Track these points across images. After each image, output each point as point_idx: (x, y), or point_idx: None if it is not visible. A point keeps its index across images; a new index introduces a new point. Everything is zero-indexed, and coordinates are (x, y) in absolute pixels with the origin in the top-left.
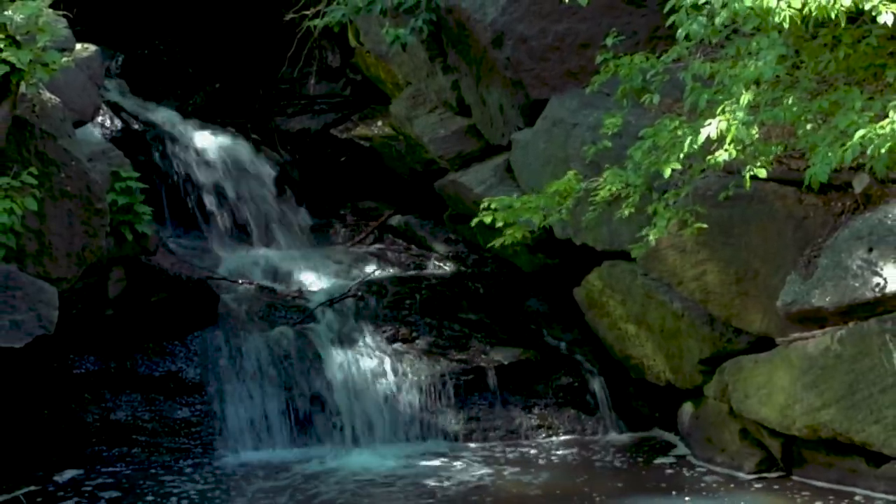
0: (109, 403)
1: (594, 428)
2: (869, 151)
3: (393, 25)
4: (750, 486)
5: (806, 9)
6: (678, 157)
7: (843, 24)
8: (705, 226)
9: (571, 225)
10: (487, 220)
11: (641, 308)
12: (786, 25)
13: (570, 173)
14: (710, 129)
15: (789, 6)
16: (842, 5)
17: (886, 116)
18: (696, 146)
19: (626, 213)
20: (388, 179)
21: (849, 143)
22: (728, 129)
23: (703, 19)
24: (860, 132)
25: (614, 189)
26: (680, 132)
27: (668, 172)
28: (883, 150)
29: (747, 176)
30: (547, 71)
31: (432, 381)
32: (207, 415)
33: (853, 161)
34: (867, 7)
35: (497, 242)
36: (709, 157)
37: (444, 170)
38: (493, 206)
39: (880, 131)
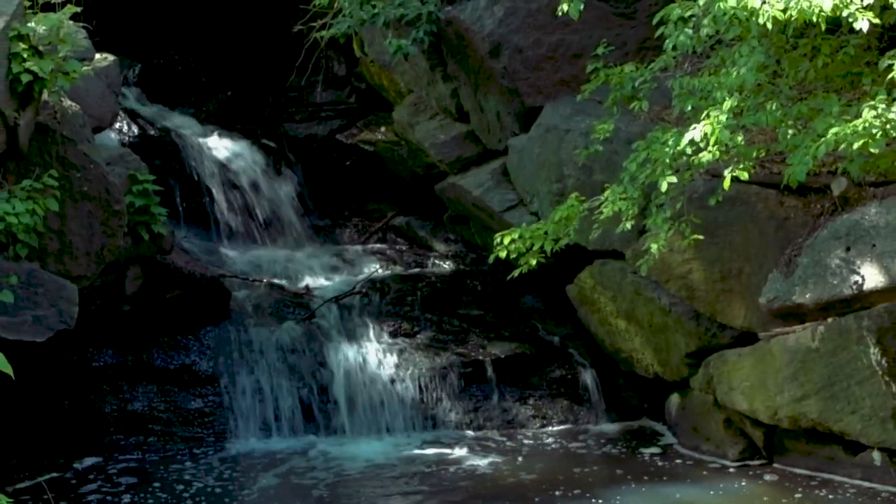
0: (127, 395)
1: (586, 418)
2: (842, 148)
3: (395, 36)
4: (733, 473)
5: (788, 12)
6: (671, 167)
7: (822, 28)
8: (701, 237)
9: None
10: (503, 255)
11: (631, 304)
12: (769, 26)
13: (572, 196)
14: (695, 132)
15: (773, 7)
16: (822, 10)
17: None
18: (680, 149)
19: (628, 225)
20: (390, 182)
21: (822, 140)
22: (712, 132)
23: (689, 31)
24: (834, 129)
25: (616, 207)
26: (671, 142)
27: (664, 187)
28: (855, 146)
29: (728, 178)
30: (541, 80)
31: (433, 373)
32: (220, 405)
33: (831, 165)
34: (845, 14)
35: (516, 273)
36: (692, 157)
37: (444, 173)
38: (505, 241)
39: (853, 129)
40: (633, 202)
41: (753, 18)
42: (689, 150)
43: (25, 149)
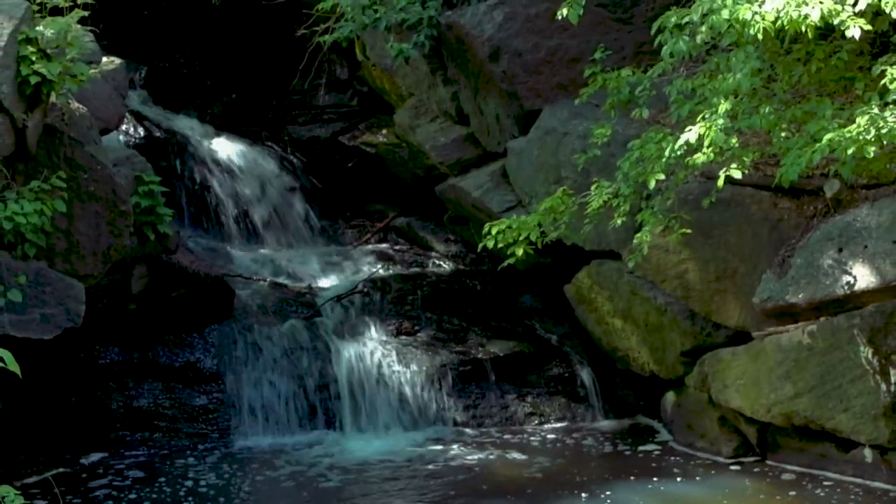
0: (132, 391)
1: (583, 415)
2: (836, 153)
3: (397, 41)
4: (727, 469)
5: (779, 22)
6: (662, 166)
7: (811, 37)
8: (689, 231)
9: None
10: (490, 244)
11: (627, 304)
12: (759, 37)
13: (560, 189)
14: (690, 134)
15: (763, 19)
16: (811, 20)
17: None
18: (676, 152)
19: (619, 221)
20: (392, 184)
21: (817, 146)
22: (707, 134)
23: (686, 37)
24: (828, 135)
25: (603, 200)
26: (665, 144)
27: (652, 183)
28: (849, 152)
29: (722, 177)
30: (540, 83)
31: (433, 371)
32: (224, 402)
33: (824, 167)
34: (836, 22)
35: (505, 263)
36: (687, 158)
37: (445, 175)
38: (494, 230)
39: (847, 134)
40: (625, 199)
41: (746, 29)
42: (681, 153)
43: (33, 150)
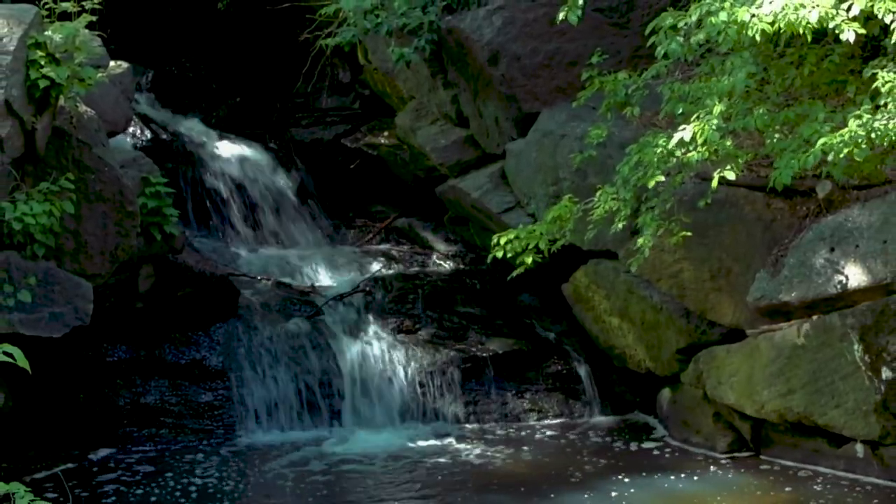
0: (140, 388)
1: (581, 411)
2: (830, 157)
3: (398, 45)
4: (722, 464)
5: (776, 24)
6: (660, 168)
7: (808, 39)
8: (689, 233)
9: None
10: (500, 255)
11: (624, 302)
12: (758, 38)
13: (566, 198)
14: (685, 132)
15: (761, 21)
16: (808, 22)
17: (846, 126)
18: (670, 149)
19: (620, 226)
20: (393, 185)
21: (811, 150)
22: (701, 133)
23: (680, 39)
24: (822, 139)
25: (608, 207)
26: (660, 144)
27: (652, 184)
28: (842, 155)
29: (716, 178)
30: (538, 87)
31: (433, 368)
32: (229, 399)
33: (816, 168)
34: (831, 25)
35: (515, 273)
36: (683, 157)
37: (445, 176)
38: (502, 241)
39: (840, 138)
40: (626, 203)
41: (744, 31)
42: (678, 153)
43: (42, 152)
